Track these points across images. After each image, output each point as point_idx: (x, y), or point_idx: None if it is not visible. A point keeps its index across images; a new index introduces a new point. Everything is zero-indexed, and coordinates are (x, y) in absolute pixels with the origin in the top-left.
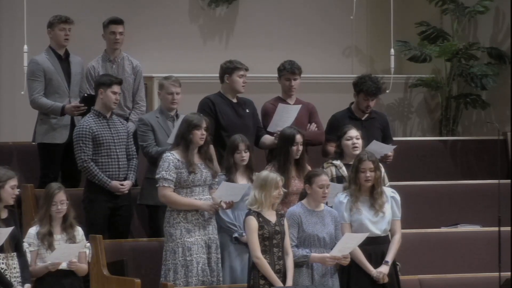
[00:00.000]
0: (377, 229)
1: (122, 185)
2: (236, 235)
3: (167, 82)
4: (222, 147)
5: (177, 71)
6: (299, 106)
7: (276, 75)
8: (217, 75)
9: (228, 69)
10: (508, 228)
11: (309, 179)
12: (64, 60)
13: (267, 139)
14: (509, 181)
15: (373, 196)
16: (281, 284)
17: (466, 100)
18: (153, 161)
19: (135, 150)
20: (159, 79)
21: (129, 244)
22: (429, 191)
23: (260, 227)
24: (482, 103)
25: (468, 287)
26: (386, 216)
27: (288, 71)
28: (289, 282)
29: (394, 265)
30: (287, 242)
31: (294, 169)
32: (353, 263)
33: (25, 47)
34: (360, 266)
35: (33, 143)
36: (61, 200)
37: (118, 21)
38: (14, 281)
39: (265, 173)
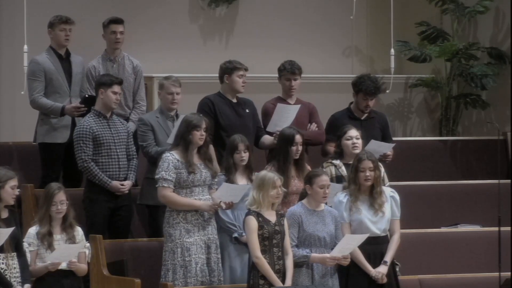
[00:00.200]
0: (377, 229)
1: (122, 185)
2: (236, 235)
3: (167, 82)
4: (222, 147)
5: (177, 71)
6: (298, 106)
7: (276, 75)
8: (217, 75)
9: (228, 69)
10: (508, 228)
11: (309, 180)
12: (65, 60)
13: (266, 139)
14: (509, 181)
15: (373, 196)
16: (280, 284)
17: (466, 100)
18: (153, 161)
19: (135, 150)
20: (159, 79)
21: (129, 244)
22: (429, 191)
23: (260, 227)
24: (482, 103)
25: (468, 287)
26: (385, 215)
27: (288, 71)
28: (288, 282)
29: (392, 265)
30: (287, 242)
31: (294, 169)
32: (352, 263)
33: (25, 47)
34: (359, 266)
35: (34, 143)
36: (61, 200)
37: (118, 21)
38: (14, 281)
39: (263, 173)
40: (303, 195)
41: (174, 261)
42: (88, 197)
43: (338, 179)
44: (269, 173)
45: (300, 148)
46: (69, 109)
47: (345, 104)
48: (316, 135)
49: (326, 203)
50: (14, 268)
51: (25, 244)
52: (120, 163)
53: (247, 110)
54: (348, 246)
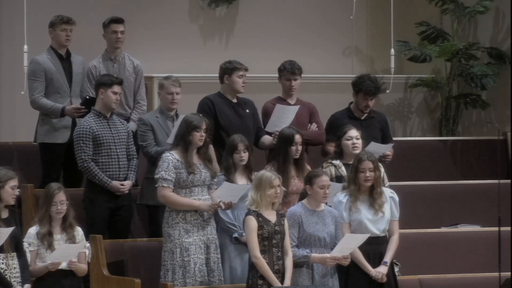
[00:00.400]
0: (376, 229)
1: (122, 185)
2: (236, 235)
3: (167, 82)
4: (222, 147)
5: (177, 71)
6: (297, 107)
7: (276, 75)
8: (217, 75)
9: (228, 70)
10: (508, 228)
11: (309, 180)
12: (65, 60)
13: (266, 139)
14: (509, 181)
15: (373, 196)
16: (279, 284)
17: (466, 100)
18: (153, 161)
19: (135, 150)
20: (159, 79)
21: (129, 244)
22: (429, 191)
23: (260, 227)
24: (482, 103)
25: (468, 287)
26: (385, 216)
27: (289, 71)
28: (287, 282)
29: (391, 265)
30: (287, 242)
31: (294, 169)
32: (352, 263)
33: (25, 47)
34: (358, 266)
35: (34, 143)
36: (61, 200)
37: (119, 20)
38: (14, 281)
39: (260, 172)
40: (303, 195)
41: (173, 261)
42: (88, 197)
43: (338, 179)
44: (266, 173)
45: (300, 148)
46: (69, 110)
47: (345, 104)
48: (316, 135)
49: (326, 203)
50: (14, 268)
51: (25, 244)
52: (120, 163)
53: (247, 110)
54: (348, 246)
